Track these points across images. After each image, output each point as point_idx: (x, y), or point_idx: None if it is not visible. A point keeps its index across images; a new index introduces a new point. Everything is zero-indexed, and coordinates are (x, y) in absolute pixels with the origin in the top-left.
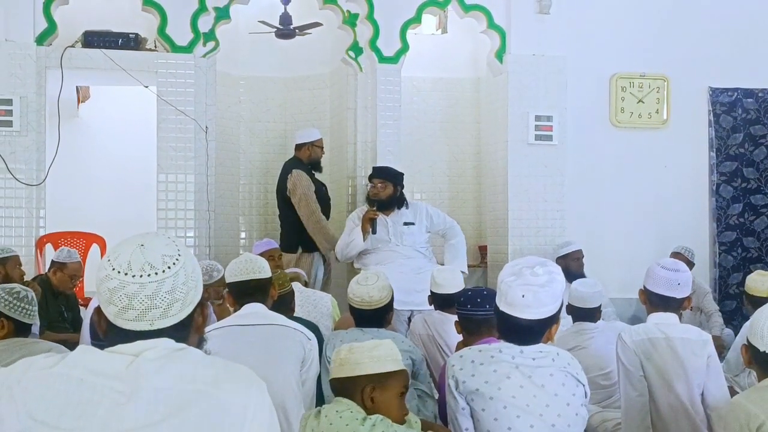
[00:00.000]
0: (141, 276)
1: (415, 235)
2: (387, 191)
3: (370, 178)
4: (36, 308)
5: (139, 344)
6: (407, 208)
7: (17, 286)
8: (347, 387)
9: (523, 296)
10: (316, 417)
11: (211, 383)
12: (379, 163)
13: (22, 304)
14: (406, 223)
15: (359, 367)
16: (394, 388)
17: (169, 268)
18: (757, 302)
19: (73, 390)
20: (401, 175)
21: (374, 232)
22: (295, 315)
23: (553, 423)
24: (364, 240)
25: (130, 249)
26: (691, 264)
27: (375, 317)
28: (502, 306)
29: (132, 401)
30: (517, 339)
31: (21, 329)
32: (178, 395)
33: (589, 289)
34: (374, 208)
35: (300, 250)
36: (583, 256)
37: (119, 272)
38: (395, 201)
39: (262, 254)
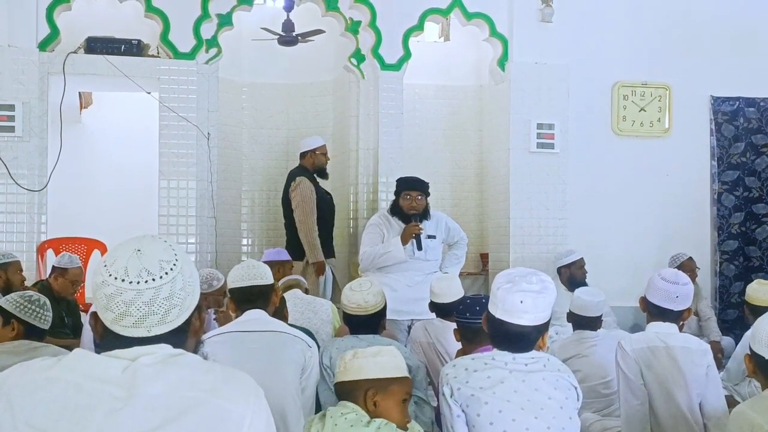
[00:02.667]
0: (138, 282)
1: (436, 249)
2: (423, 203)
3: (406, 190)
4: (50, 313)
5: (136, 349)
6: (429, 219)
7: (31, 292)
8: (351, 391)
9: (521, 302)
10: (320, 420)
11: (209, 390)
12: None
13: (34, 307)
14: (429, 236)
15: (363, 371)
16: (396, 394)
17: (166, 273)
18: (758, 311)
19: (70, 395)
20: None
21: (420, 248)
22: (291, 323)
23: (548, 425)
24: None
25: (126, 254)
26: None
27: (370, 323)
28: (498, 313)
29: (128, 407)
30: (512, 346)
31: (32, 332)
32: (175, 401)
33: (592, 298)
34: (420, 224)
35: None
36: (584, 264)
37: (116, 278)
38: (426, 213)
39: (270, 264)
